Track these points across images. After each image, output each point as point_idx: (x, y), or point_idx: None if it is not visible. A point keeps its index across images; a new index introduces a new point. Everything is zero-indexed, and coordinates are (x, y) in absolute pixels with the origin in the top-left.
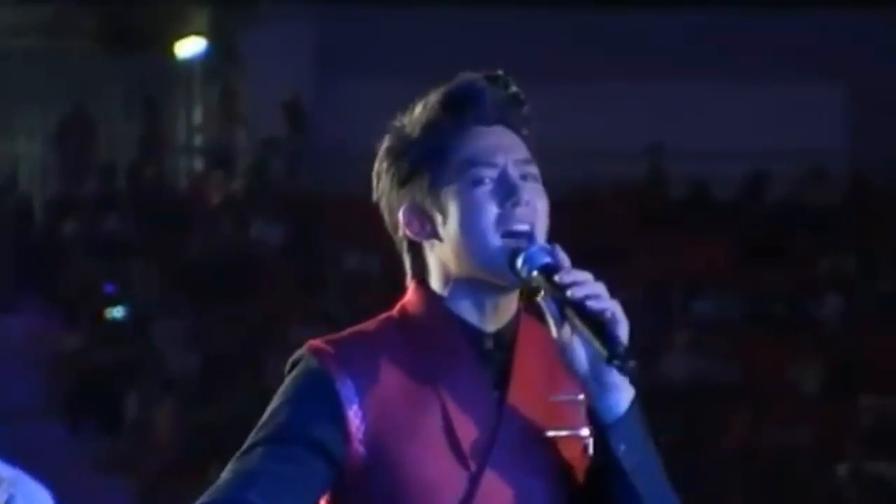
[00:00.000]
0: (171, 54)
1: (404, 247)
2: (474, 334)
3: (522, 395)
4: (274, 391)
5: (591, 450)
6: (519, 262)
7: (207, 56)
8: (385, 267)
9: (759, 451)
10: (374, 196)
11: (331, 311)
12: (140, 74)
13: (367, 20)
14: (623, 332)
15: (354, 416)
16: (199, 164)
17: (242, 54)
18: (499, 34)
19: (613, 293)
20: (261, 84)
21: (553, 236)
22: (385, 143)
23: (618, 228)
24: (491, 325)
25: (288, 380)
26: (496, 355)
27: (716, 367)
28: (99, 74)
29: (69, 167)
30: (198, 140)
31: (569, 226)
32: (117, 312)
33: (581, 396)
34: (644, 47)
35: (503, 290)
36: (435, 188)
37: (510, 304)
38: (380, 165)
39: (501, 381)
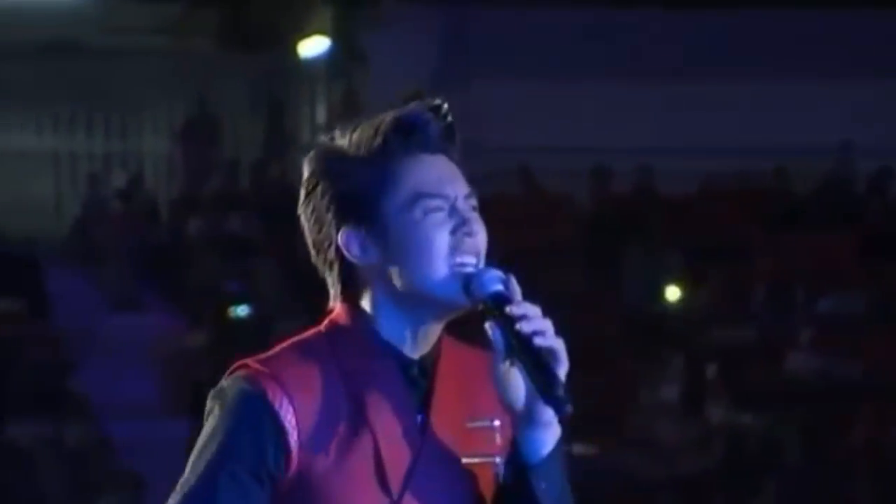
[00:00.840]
0: (295, 53)
1: (335, 268)
2: (402, 361)
3: (442, 421)
4: None
5: (500, 477)
6: (472, 284)
7: (331, 55)
8: (507, 265)
9: (884, 449)
10: (300, 210)
11: None
12: (264, 74)
13: (489, 19)
14: (563, 372)
15: (292, 439)
16: None
17: (366, 53)
18: (625, 34)
19: (737, 290)
20: (384, 83)
21: (676, 233)
22: (315, 162)
23: (740, 226)
24: (417, 352)
25: (226, 404)
26: (420, 382)
27: (840, 365)
28: (223, 73)
29: (194, 166)
30: (321, 139)
31: (692, 223)
32: (241, 311)
33: (497, 423)
34: (760, 47)
35: (438, 317)
36: (382, 213)
37: (437, 332)
38: (310, 184)
39: (424, 406)
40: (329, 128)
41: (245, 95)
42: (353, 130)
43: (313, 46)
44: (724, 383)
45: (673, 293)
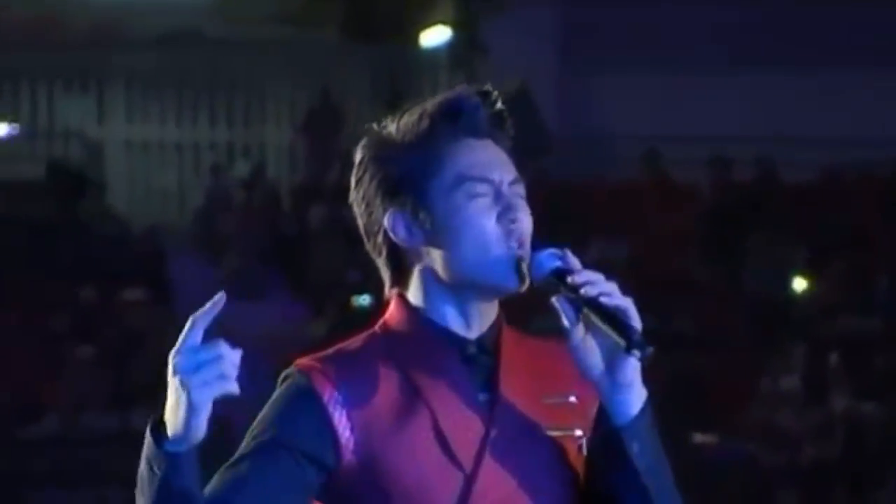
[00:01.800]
0: (417, 44)
1: (383, 252)
2: (456, 341)
3: (512, 396)
4: None
5: (584, 450)
6: (531, 268)
7: (453, 45)
8: (632, 254)
9: None
10: (351, 198)
11: None
12: (386, 63)
13: (609, 9)
14: (637, 324)
15: (343, 428)
16: None
17: (487, 44)
18: (739, 25)
19: (860, 279)
20: (505, 74)
21: (799, 222)
22: (365, 149)
23: (864, 215)
24: (473, 332)
25: (276, 395)
26: (481, 359)
27: None
28: (346, 63)
29: (316, 155)
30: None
31: (815, 212)
32: (363, 300)
33: (573, 399)
34: (882, 38)
35: (489, 297)
36: (428, 196)
37: (492, 311)
38: (360, 171)
39: (489, 384)
40: None
41: (367, 85)
42: (401, 116)
43: (435, 36)
44: (847, 372)
45: (795, 282)
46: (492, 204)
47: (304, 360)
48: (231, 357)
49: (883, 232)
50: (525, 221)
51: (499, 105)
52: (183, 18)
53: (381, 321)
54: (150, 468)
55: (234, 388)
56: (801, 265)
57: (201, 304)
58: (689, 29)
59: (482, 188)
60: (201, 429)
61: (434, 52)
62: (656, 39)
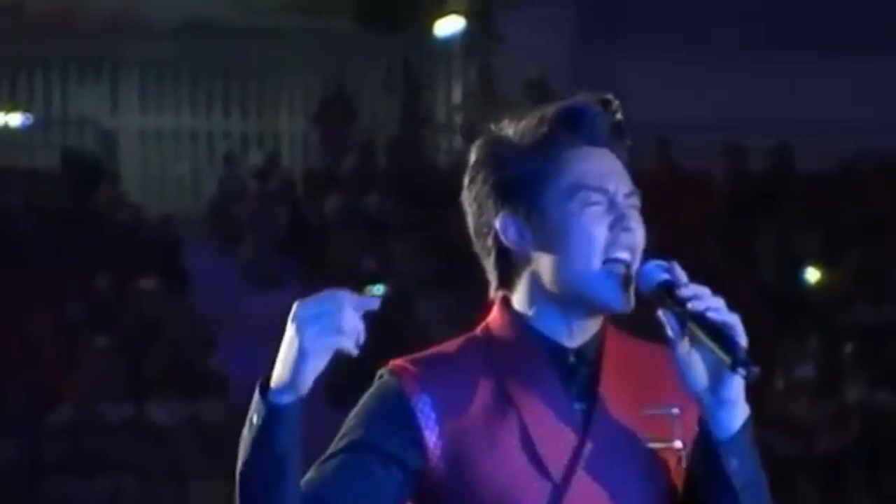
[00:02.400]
0: (432, 32)
1: (492, 254)
2: (557, 350)
3: (610, 407)
4: None
5: (685, 462)
6: (638, 282)
7: (467, 34)
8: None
9: None
10: (463, 196)
11: None
12: (400, 53)
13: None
14: (743, 341)
15: (431, 433)
16: (458, 143)
17: (501, 33)
18: (757, 12)
19: (875, 269)
20: (519, 63)
21: (815, 211)
22: (480, 149)
23: (880, 204)
24: (575, 342)
25: (367, 396)
26: (580, 369)
27: None
28: (360, 52)
29: (330, 144)
30: (457, 118)
31: (833, 200)
32: (378, 290)
33: (675, 410)
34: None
35: (590, 314)
36: (542, 201)
37: (596, 322)
38: (474, 171)
39: (586, 394)
40: (465, 107)
41: (381, 74)
42: (520, 120)
43: (449, 25)
44: (862, 362)
45: (810, 272)
46: (605, 213)
47: (398, 361)
48: (351, 315)
49: None
50: (638, 232)
51: (619, 115)
52: (197, 7)
53: (483, 324)
54: (250, 422)
55: (348, 344)
56: (816, 255)
57: (216, 293)
58: (705, 16)
59: (597, 197)
60: (307, 381)
61: (448, 42)
62: (672, 24)
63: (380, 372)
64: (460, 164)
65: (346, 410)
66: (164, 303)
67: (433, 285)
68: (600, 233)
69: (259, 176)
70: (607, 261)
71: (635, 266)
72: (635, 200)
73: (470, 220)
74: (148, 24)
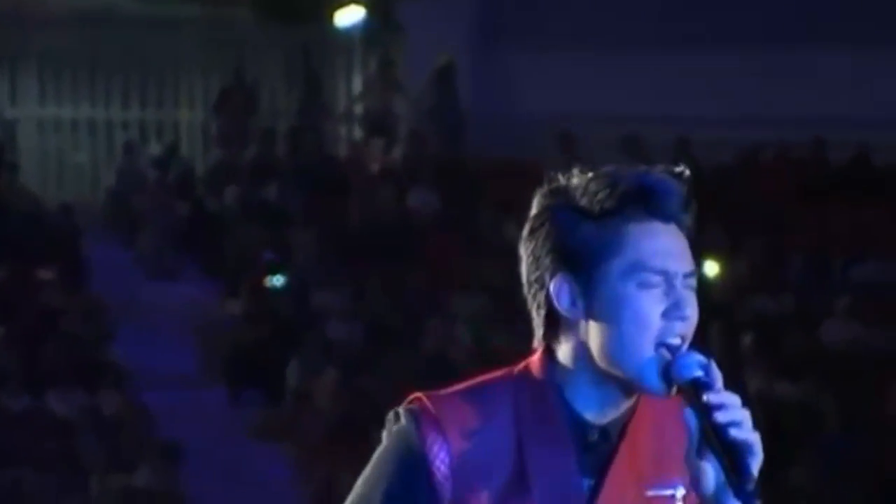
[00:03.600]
0: (332, 23)
1: (542, 312)
2: (582, 425)
3: (618, 486)
4: (434, 359)
5: None
6: (672, 367)
7: (367, 25)
8: None
9: None
10: (522, 241)
11: (491, 279)
12: (300, 43)
13: None
14: (756, 466)
15: (444, 484)
16: (358, 133)
17: (401, 24)
18: (656, 7)
19: (774, 260)
20: (419, 54)
21: (717, 202)
22: (546, 202)
23: (779, 194)
24: (601, 419)
25: (385, 444)
26: (601, 446)
27: (877, 333)
28: (260, 43)
29: (230, 135)
30: (357, 108)
31: (732, 191)
32: (277, 281)
33: (681, 491)
34: (801, 15)
35: (628, 394)
36: (600, 274)
37: (630, 401)
38: (537, 223)
39: (600, 470)
40: (364, 97)
41: (281, 65)
42: (591, 180)
43: (349, 16)
44: (762, 353)
45: (710, 263)
46: (661, 297)
47: (420, 401)
48: None
49: (797, 212)
50: (692, 318)
51: (686, 188)
52: None
53: (522, 365)
54: None
55: None
56: (716, 246)
57: (115, 284)
58: (606, 10)
59: (656, 279)
60: None
61: (348, 32)
62: (573, 18)
63: (403, 412)
64: (360, 154)
65: (242, 406)
66: (63, 293)
67: (332, 276)
68: (655, 318)
69: (158, 166)
70: (658, 346)
71: (683, 350)
72: (693, 282)
73: (524, 269)
74: (47, 14)
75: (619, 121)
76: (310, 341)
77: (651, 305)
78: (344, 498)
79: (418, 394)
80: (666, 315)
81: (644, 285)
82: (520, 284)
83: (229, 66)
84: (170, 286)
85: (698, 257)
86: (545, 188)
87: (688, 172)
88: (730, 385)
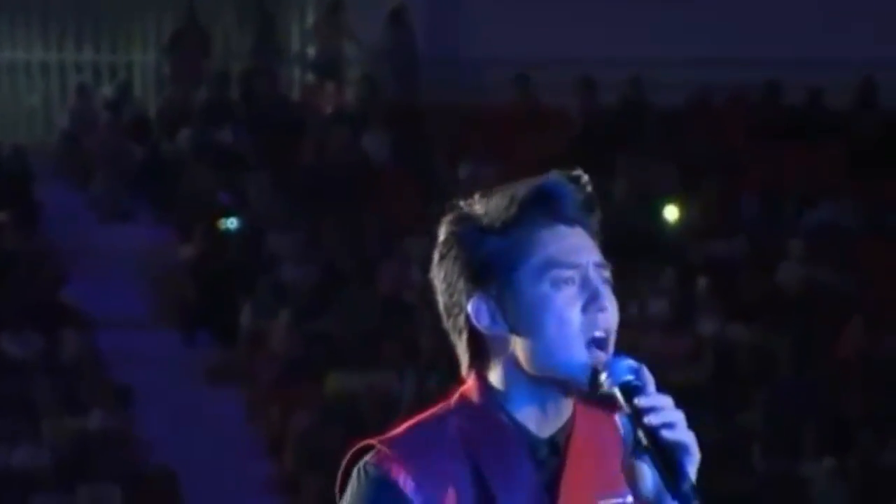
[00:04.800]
0: None
1: (464, 336)
2: (531, 442)
3: (571, 500)
4: (388, 301)
5: None
6: (603, 374)
7: None
8: (500, 177)
9: (875, 359)
10: (432, 273)
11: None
12: None
13: None
14: (693, 467)
15: None
16: (311, 75)
17: None
18: None
19: (728, 203)
20: None
21: (671, 144)
22: (451, 227)
23: (733, 136)
24: (547, 431)
25: (359, 489)
26: (551, 461)
27: (830, 276)
28: None
29: (183, 76)
30: (310, 50)
31: (686, 133)
32: (231, 223)
33: (630, 499)
34: None
35: (567, 394)
36: (514, 284)
37: (569, 407)
38: (445, 248)
39: (552, 485)
40: (318, 38)
41: (234, 6)
42: (490, 198)
43: None
44: (716, 296)
45: (664, 206)
46: (578, 293)
47: (380, 447)
48: None
49: (751, 155)
50: (612, 310)
51: (588, 189)
52: None
53: (458, 395)
54: None
55: None
56: (670, 189)
57: (68, 226)
58: None
59: (569, 273)
60: None
61: None
62: None
63: (358, 467)
64: (313, 97)
65: (195, 348)
66: (17, 236)
67: (286, 219)
68: (575, 314)
69: (111, 108)
70: (589, 343)
71: (610, 344)
72: (606, 274)
73: (440, 298)
74: None
75: (572, 63)
76: (264, 284)
77: (568, 301)
78: (296, 439)
79: (369, 441)
80: (585, 309)
81: (558, 282)
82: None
83: (182, 8)
84: (123, 229)
85: (653, 200)
86: (449, 216)
87: (586, 177)
88: (683, 329)
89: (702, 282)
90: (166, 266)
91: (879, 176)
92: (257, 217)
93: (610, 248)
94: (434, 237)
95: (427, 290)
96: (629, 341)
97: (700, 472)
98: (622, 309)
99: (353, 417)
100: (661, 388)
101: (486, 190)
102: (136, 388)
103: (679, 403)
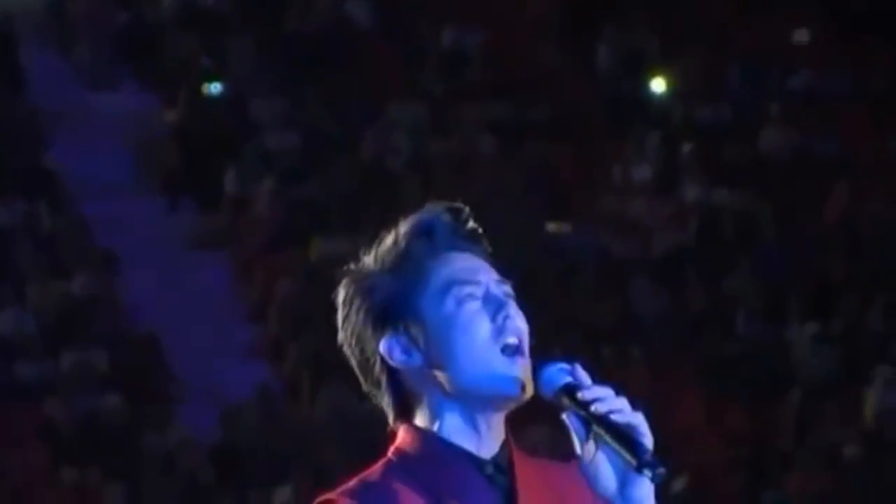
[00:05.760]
0: None
1: (383, 384)
2: (473, 460)
3: None
4: (372, 167)
5: None
6: (538, 383)
7: None
8: (486, 43)
9: (858, 224)
10: (341, 334)
11: (428, 86)
12: None
13: None
14: (649, 441)
15: None
16: None
17: None
18: None
19: (713, 68)
20: None
21: (657, 10)
22: (346, 286)
23: (718, 3)
24: (487, 451)
25: None
26: (499, 479)
27: (814, 141)
28: None
29: None
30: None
31: (667, 4)
32: (215, 88)
33: None
34: None
35: (496, 409)
36: (418, 312)
37: (501, 426)
38: (346, 308)
39: (508, 501)
40: None
41: None
42: (375, 247)
43: None
44: (699, 161)
45: (649, 71)
46: (482, 306)
47: (336, 497)
48: None
49: (736, 21)
50: (518, 320)
51: (471, 223)
52: None
53: (392, 449)
54: None
55: None
56: (656, 54)
57: (52, 92)
58: None
59: (470, 289)
60: None
61: None
62: None
63: None
64: None
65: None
66: (1, 101)
67: (269, 84)
68: (483, 325)
69: None
70: (503, 350)
71: (524, 350)
72: (508, 289)
73: (354, 363)
74: None
75: None
76: (247, 150)
77: (474, 315)
78: (280, 304)
79: (328, 496)
80: (493, 319)
81: (461, 300)
82: (458, 96)
83: None
84: (107, 95)
85: (638, 66)
86: (343, 280)
87: (466, 210)
88: (667, 194)
89: (686, 147)
90: (150, 132)
91: (864, 41)
92: (240, 83)
93: (595, 114)
94: (418, 103)
95: (411, 156)
96: (615, 207)
97: (686, 336)
98: (608, 173)
99: (337, 283)
100: (645, 253)
101: (374, 243)
102: (120, 254)
103: (664, 268)
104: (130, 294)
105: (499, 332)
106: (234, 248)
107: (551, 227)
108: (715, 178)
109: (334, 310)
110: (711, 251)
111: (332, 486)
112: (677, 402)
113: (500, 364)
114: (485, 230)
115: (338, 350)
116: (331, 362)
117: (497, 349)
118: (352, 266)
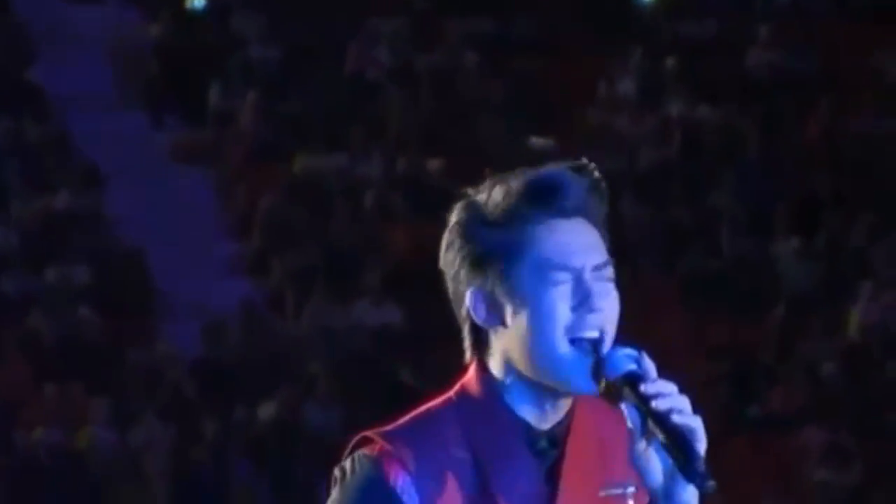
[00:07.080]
0: None
1: (465, 326)
2: (529, 433)
3: (571, 491)
4: (355, 81)
5: None
6: (604, 367)
7: None
8: None
9: (840, 140)
10: (440, 263)
11: (412, 1)
12: None
13: None
14: (703, 449)
15: None
16: None
17: None
18: None
19: None
20: None
21: None
22: (457, 214)
23: None
24: (546, 423)
25: (350, 485)
26: (550, 453)
27: (798, 57)
28: None
29: None
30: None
31: None
32: (198, 2)
33: (631, 489)
34: None
35: (562, 394)
36: (508, 279)
37: (567, 401)
38: (450, 236)
39: (553, 475)
40: None
41: None
42: (493, 187)
43: None
44: (684, 77)
45: None
46: (571, 293)
47: (377, 441)
48: None
49: None
50: (607, 310)
51: (595, 176)
52: None
53: (458, 386)
54: None
55: None
56: None
57: (37, 8)
58: None
59: (562, 276)
60: None
61: None
62: None
63: (353, 457)
64: None
65: (163, 129)
66: None
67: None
68: (563, 313)
69: None
70: (574, 340)
71: (607, 344)
72: (607, 272)
73: (448, 285)
74: None
75: None
76: (231, 64)
77: (557, 300)
78: (264, 218)
79: (368, 433)
80: (576, 309)
81: (550, 283)
82: (442, 9)
83: None
84: (91, 10)
85: None
86: (459, 203)
87: (593, 165)
88: (651, 109)
89: (670, 62)
90: (133, 46)
91: None
92: None
93: (580, 29)
94: (401, 16)
95: (394, 70)
96: (599, 121)
97: (671, 250)
98: (591, 87)
99: (320, 198)
100: (630, 168)
101: (501, 177)
102: (103, 169)
103: (648, 183)
104: (114, 208)
105: (577, 323)
106: (217, 163)
107: (535, 141)
108: (698, 94)
109: (317, 223)
110: (695, 167)
111: (316, 399)
112: (661, 317)
113: (569, 357)
114: (468, 145)
115: (322, 264)
116: (314, 276)
117: (567, 341)
118: (470, 192)
